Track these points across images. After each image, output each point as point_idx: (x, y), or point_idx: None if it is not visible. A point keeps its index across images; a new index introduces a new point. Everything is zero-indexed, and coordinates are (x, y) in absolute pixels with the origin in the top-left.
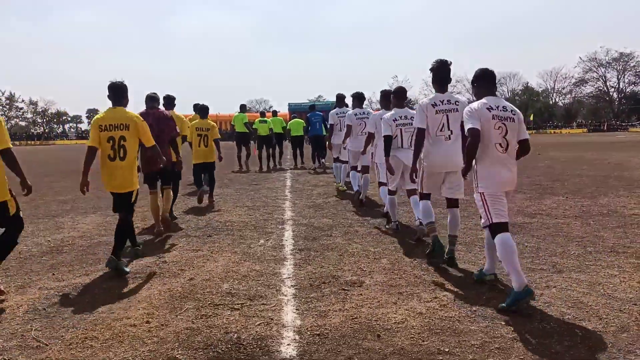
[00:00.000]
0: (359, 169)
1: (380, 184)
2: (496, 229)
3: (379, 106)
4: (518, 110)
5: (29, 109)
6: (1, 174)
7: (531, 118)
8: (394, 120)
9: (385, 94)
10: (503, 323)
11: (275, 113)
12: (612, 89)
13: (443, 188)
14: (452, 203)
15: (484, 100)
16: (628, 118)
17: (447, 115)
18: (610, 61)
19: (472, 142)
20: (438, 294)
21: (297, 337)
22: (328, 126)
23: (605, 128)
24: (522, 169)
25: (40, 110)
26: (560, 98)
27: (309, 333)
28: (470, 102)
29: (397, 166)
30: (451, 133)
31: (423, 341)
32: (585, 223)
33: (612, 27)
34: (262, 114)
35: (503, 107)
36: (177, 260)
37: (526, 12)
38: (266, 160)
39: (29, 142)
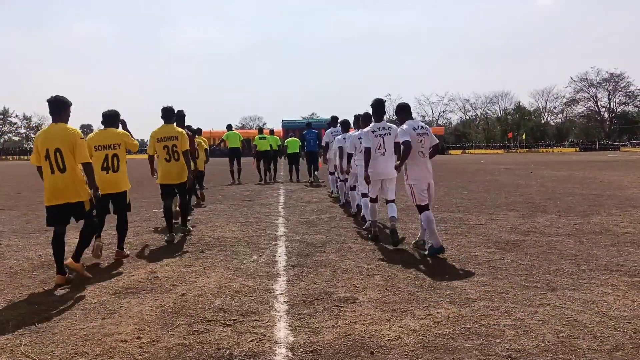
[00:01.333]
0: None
1: (363, 195)
2: (420, 209)
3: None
4: (429, 127)
5: (23, 124)
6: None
7: (523, 137)
8: (372, 132)
9: (357, 118)
10: (497, 341)
11: (272, 132)
12: (603, 109)
13: (381, 191)
14: (390, 201)
15: (410, 122)
16: (619, 137)
17: (383, 138)
18: (601, 81)
19: (406, 150)
20: (432, 311)
21: (289, 353)
22: (322, 143)
23: (597, 147)
24: (514, 188)
25: (34, 125)
26: (552, 117)
27: (301, 350)
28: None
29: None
30: (385, 151)
31: (417, 358)
32: (578, 241)
33: (602, 48)
34: (261, 131)
35: (420, 126)
36: (169, 275)
37: (518, 32)
38: (264, 173)
39: (22, 157)
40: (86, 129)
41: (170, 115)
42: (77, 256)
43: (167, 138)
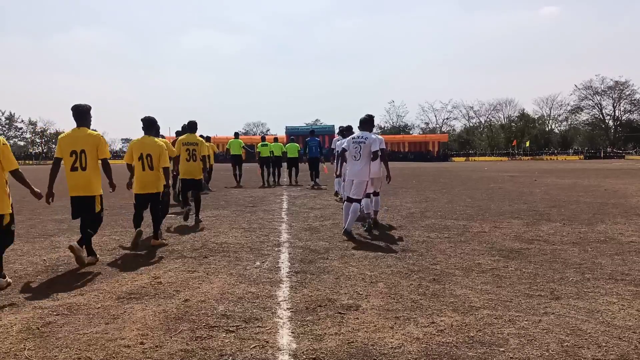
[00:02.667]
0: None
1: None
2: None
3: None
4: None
5: (28, 129)
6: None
7: (527, 144)
8: (352, 139)
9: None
10: (501, 349)
11: (276, 139)
12: (608, 117)
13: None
14: (352, 200)
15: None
16: (624, 145)
17: (359, 146)
18: (606, 89)
19: (384, 155)
20: (435, 319)
21: None
22: (324, 149)
23: (601, 155)
24: (518, 195)
25: (39, 130)
26: (556, 125)
27: (304, 357)
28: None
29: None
30: (360, 157)
31: None
32: (582, 250)
33: (607, 56)
34: (263, 139)
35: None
36: (172, 281)
37: (522, 39)
38: (267, 177)
39: (27, 161)
40: None
41: (150, 126)
42: (81, 243)
43: (144, 147)
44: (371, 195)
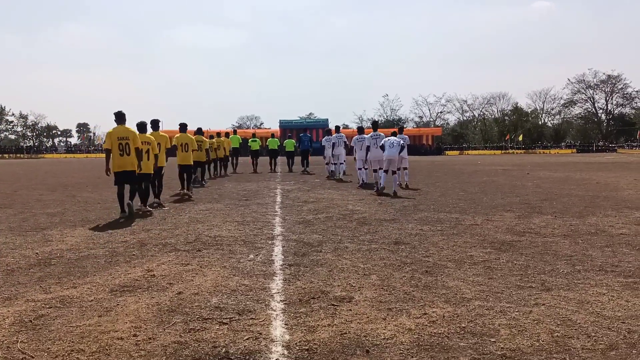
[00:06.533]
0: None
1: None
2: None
3: (369, 124)
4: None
5: (19, 123)
6: None
7: (520, 138)
8: (371, 137)
9: (374, 123)
10: (492, 340)
11: (273, 135)
12: (601, 111)
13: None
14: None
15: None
16: (616, 139)
17: (376, 140)
18: (599, 83)
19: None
20: (427, 310)
21: (285, 352)
22: (314, 143)
23: (594, 149)
24: (511, 189)
25: (30, 123)
26: (549, 119)
27: (297, 348)
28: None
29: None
30: (377, 146)
31: (412, 357)
32: (573, 242)
33: (600, 49)
34: (254, 135)
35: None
36: (165, 274)
37: (515, 33)
38: (256, 166)
39: (18, 155)
40: (82, 127)
41: (142, 126)
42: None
43: (123, 138)
44: (401, 168)
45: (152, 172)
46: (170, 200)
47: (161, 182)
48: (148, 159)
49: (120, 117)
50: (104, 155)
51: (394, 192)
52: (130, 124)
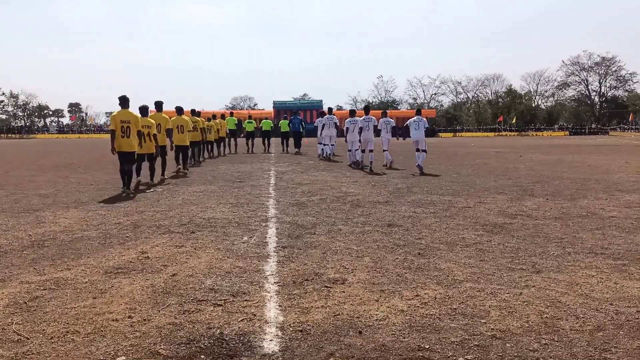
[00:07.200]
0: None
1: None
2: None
3: (363, 106)
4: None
5: (10, 102)
6: None
7: (514, 120)
8: (363, 119)
9: (366, 107)
10: (483, 321)
11: (266, 118)
12: (594, 93)
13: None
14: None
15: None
16: (609, 121)
17: (368, 123)
18: (593, 65)
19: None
20: (419, 292)
21: (279, 333)
22: (306, 125)
23: (586, 131)
24: (503, 171)
25: (22, 103)
26: (543, 101)
27: (291, 329)
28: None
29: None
30: (368, 128)
31: (404, 338)
32: (564, 224)
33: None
34: (250, 117)
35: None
36: (159, 256)
37: (510, 15)
38: (252, 146)
39: (9, 135)
40: (74, 107)
41: (144, 109)
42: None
43: (125, 121)
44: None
45: (154, 151)
46: (168, 177)
47: (164, 160)
48: (151, 140)
49: (124, 101)
50: (96, 135)
51: (420, 168)
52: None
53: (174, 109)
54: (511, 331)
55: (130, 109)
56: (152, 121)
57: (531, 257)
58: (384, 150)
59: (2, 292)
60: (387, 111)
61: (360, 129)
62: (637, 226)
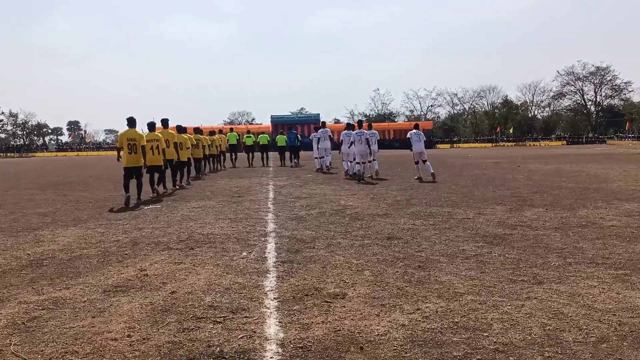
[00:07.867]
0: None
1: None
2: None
3: (360, 118)
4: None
5: (9, 121)
6: None
7: (511, 131)
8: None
9: (359, 122)
10: (485, 334)
11: (263, 132)
12: (590, 102)
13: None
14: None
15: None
16: (606, 130)
17: (360, 136)
18: (587, 75)
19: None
20: (420, 305)
21: (280, 350)
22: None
23: (584, 141)
24: (502, 182)
25: (21, 122)
26: (539, 111)
27: (292, 346)
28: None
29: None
30: (367, 142)
31: (406, 353)
32: (565, 234)
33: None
34: (249, 131)
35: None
36: (158, 273)
37: (505, 26)
38: (252, 159)
39: (8, 154)
40: (73, 125)
41: (151, 125)
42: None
43: (132, 139)
44: (420, 161)
45: (162, 163)
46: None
47: (175, 171)
48: (159, 153)
49: (131, 122)
50: (94, 153)
51: (432, 175)
52: (123, 119)
53: (175, 127)
54: (514, 344)
55: (136, 129)
56: (160, 135)
57: (532, 268)
58: (373, 160)
59: (1, 313)
60: (363, 123)
61: (352, 142)
62: (638, 235)
